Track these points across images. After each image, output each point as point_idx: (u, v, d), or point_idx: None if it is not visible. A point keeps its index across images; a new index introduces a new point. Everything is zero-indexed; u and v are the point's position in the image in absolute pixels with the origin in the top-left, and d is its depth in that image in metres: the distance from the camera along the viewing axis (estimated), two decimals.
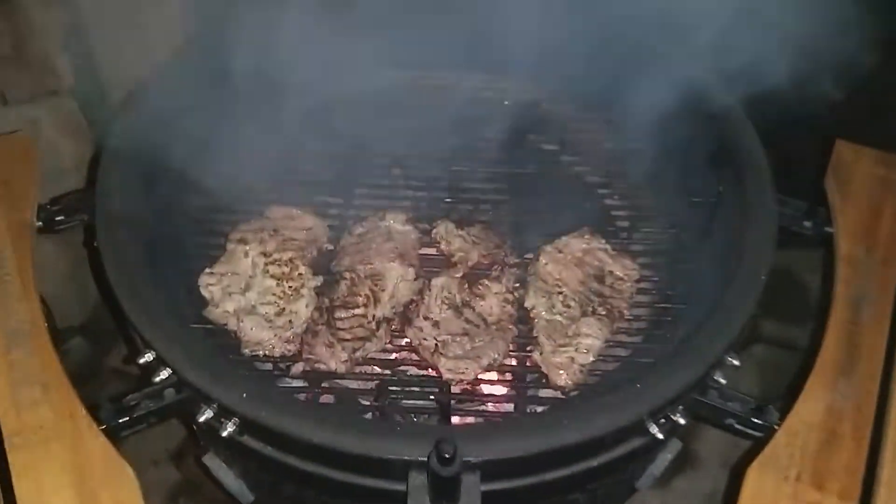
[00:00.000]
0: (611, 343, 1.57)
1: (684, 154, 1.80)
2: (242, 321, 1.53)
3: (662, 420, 1.34)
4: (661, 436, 1.33)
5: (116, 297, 1.40)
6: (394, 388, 1.38)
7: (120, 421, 1.32)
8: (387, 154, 1.98)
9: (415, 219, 1.75)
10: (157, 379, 1.35)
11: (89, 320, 2.57)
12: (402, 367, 1.57)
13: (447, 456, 1.10)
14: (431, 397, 1.31)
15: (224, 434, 1.30)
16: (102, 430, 1.30)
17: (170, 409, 1.34)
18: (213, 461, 1.57)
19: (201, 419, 1.31)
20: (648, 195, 1.88)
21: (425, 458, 1.19)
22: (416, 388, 1.44)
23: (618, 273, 1.66)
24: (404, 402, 1.37)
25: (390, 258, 1.64)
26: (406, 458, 1.21)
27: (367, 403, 1.49)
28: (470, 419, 1.52)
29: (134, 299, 1.39)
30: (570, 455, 1.30)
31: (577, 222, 1.78)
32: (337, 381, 1.53)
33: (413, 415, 1.41)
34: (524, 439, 1.23)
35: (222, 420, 1.31)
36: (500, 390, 1.57)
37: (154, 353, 1.35)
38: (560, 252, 1.67)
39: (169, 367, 1.33)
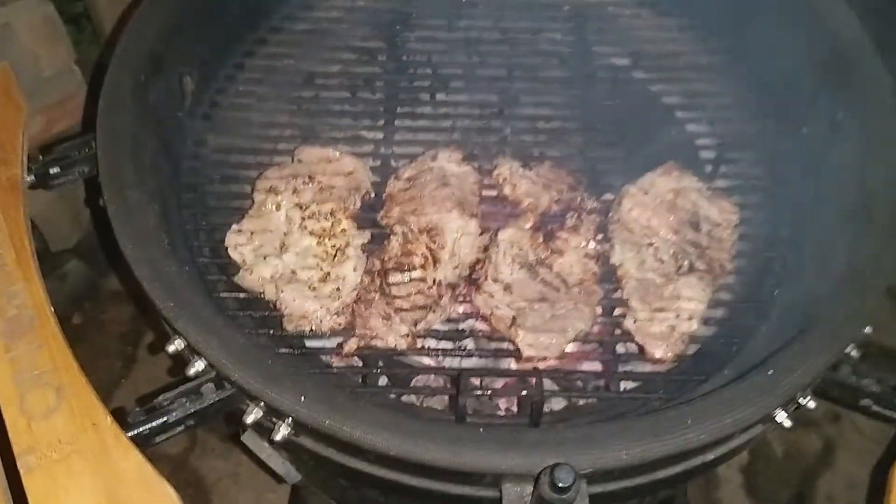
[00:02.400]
0: (711, 302, 1.34)
1: (785, 69, 1.53)
2: (283, 291, 1.30)
3: (791, 406, 1.13)
4: (788, 423, 1.13)
5: (136, 277, 1.16)
6: (474, 380, 1.15)
7: (152, 426, 1.10)
8: (426, 74, 1.70)
9: (471, 156, 1.49)
10: (192, 371, 1.13)
11: (84, 240, 2.37)
12: (469, 338, 1.35)
13: (563, 486, 0.90)
14: (524, 392, 1.09)
15: (277, 438, 1.09)
16: (132, 437, 1.08)
17: (211, 410, 1.12)
18: (254, 441, 1.37)
19: (249, 420, 1.10)
20: (737, 120, 1.61)
21: (524, 472, 0.99)
22: (502, 381, 1.21)
23: (714, 218, 1.41)
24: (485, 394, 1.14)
25: (447, 207, 1.39)
26: (502, 470, 1.01)
27: (437, 385, 1.28)
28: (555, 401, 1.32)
29: (157, 279, 1.15)
30: (688, 454, 1.10)
31: (658, 154, 1.52)
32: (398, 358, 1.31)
33: (489, 395, 1.19)
34: (645, 444, 1.02)
35: (274, 420, 1.10)
36: (587, 364, 1.36)
37: (185, 342, 1.13)
38: (646, 194, 1.42)
39: (207, 361, 1.11)
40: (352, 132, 1.57)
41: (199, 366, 1.12)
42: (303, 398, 1.05)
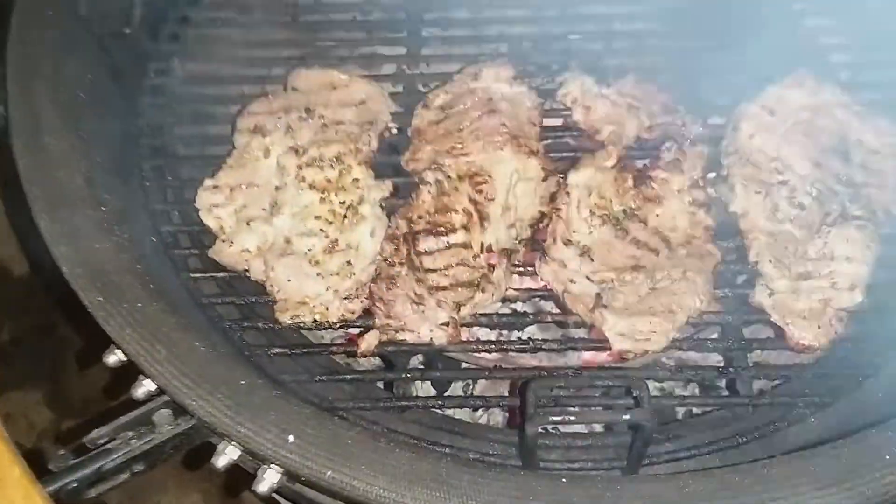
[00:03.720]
0: None
1: None
2: (273, 269, 0.94)
3: None
4: None
5: (53, 257, 0.81)
6: (545, 393, 0.77)
7: (82, 475, 0.76)
8: None
9: (526, 73, 1.10)
10: (141, 392, 0.78)
11: None
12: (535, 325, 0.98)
13: None
14: (626, 418, 0.71)
15: (261, 489, 0.74)
16: (54, 493, 0.75)
17: (168, 448, 0.78)
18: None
19: (221, 463, 0.76)
20: (879, 7, 1.18)
21: None
22: (589, 398, 0.84)
23: (870, 143, 1.01)
24: (566, 419, 0.77)
25: (497, 143, 1.01)
26: None
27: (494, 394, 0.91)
28: None
29: (81, 262, 0.80)
30: None
31: (774, 60, 1.12)
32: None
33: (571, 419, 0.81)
34: (823, 496, 0.65)
35: (257, 464, 0.75)
36: (702, 356, 0.98)
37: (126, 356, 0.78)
38: (771, 114, 1.04)
39: (154, 383, 0.76)
40: (366, 48, 1.19)
41: (148, 385, 0.78)
42: (291, 438, 0.69)
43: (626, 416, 0.72)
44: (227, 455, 0.76)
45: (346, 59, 1.16)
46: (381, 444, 0.70)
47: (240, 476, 0.82)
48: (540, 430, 0.81)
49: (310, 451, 0.69)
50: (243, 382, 0.73)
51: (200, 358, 0.75)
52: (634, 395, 0.77)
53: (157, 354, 0.74)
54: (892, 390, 0.90)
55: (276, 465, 0.71)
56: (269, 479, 0.74)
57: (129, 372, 0.81)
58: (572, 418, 0.74)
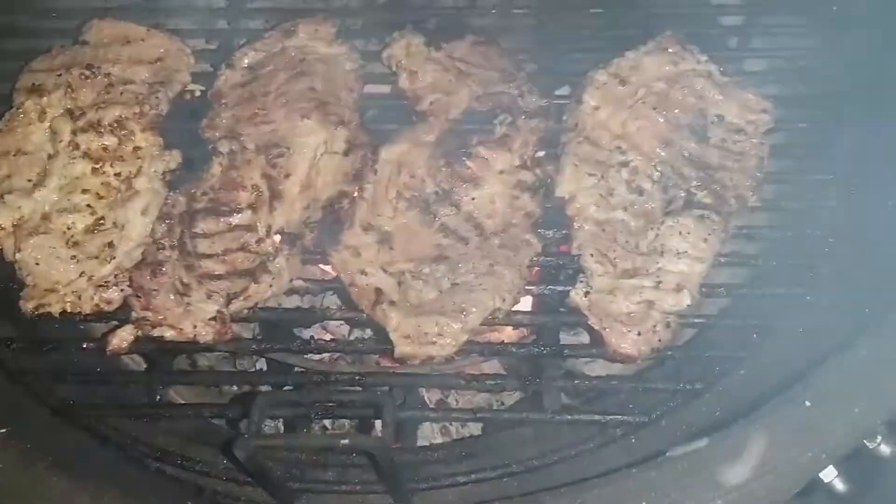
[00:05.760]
0: (719, 258, 0.81)
1: None
2: (21, 249, 0.81)
3: None
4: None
5: None
6: (273, 403, 0.65)
7: None
8: None
9: (349, 32, 0.96)
10: None
11: None
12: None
13: None
14: (344, 443, 0.58)
15: None
16: None
17: None
18: None
19: None
20: None
21: None
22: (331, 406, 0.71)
23: (733, 119, 0.88)
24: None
25: (303, 111, 0.89)
26: None
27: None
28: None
29: None
30: None
31: (647, 25, 0.99)
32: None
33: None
34: None
35: None
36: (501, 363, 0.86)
37: None
38: (622, 84, 0.90)
39: None
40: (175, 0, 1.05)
41: None
42: None
43: (345, 441, 0.59)
44: None
45: (159, 11, 1.02)
46: (38, 470, 0.58)
47: None
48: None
49: None
50: None
51: None
52: (382, 418, 0.64)
53: None
54: (729, 406, 0.77)
55: None
56: None
57: None
58: (279, 443, 0.61)
